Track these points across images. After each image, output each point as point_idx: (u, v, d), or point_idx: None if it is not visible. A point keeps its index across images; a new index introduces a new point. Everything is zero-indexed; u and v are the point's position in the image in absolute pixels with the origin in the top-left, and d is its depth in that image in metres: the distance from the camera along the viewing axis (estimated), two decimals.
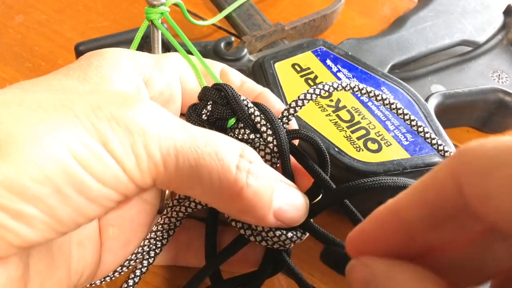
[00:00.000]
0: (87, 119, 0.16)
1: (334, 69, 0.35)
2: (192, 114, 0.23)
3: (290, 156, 0.23)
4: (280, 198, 0.20)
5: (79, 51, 0.37)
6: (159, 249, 0.24)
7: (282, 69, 0.35)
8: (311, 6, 0.50)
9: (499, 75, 0.41)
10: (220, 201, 0.19)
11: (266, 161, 0.22)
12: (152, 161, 0.17)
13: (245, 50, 0.39)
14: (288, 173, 0.22)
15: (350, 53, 0.37)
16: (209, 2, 0.49)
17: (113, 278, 0.24)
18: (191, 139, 0.18)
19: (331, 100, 0.33)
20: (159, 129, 0.18)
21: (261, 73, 0.34)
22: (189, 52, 0.27)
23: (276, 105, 0.25)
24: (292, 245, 0.22)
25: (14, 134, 0.15)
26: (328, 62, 0.36)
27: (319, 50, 0.36)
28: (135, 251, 0.23)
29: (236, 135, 0.23)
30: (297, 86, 0.34)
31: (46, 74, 0.20)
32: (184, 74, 0.25)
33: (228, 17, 0.46)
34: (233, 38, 0.41)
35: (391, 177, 0.22)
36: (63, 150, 0.16)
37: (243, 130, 0.23)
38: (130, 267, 0.24)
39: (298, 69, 0.35)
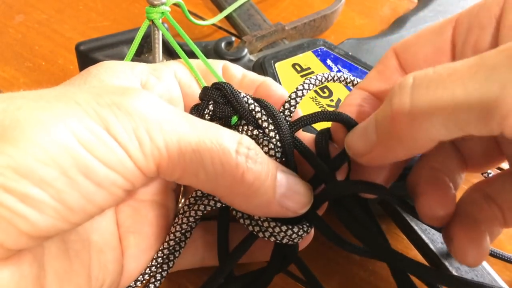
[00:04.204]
0: (88, 105, 0.17)
1: (335, 69, 0.35)
2: (194, 115, 0.23)
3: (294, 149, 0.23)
4: (283, 184, 0.21)
5: (80, 51, 0.37)
6: (178, 252, 0.24)
7: (283, 69, 0.35)
8: (311, 6, 0.50)
9: None
10: (224, 187, 0.19)
11: (270, 156, 0.22)
12: (155, 146, 0.17)
13: (246, 50, 0.39)
14: (291, 166, 0.22)
15: (350, 53, 0.37)
16: (209, 2, 0.49)
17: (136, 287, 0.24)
18: (191, 126, 0.19)
19: (332, 100, 0.33)
20: (160, 115, 0.18)
21: (261, 72, 0.34)
22: (191, 52, 0.27)
23: (278, 92, 0.25)
24: (300, 239, 0.23)
25: (19, 119, 0.15)
26: (329, 62, 0.36)
27: (319, 50, 0.36)
28: (154, 257, 0.23)
29: (240, 132, 0.23)
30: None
31: (46, 74, 0.20)
32: (184, 79, 0.25)
33: (228, 17, 0.46)
34: (233, 38, 0.41)
35: None
36: (67, 134, 0.16)
37: (246, 127, 0.23)
38: (152, 273, 0.24)
39: (299, 69, 0.35)
